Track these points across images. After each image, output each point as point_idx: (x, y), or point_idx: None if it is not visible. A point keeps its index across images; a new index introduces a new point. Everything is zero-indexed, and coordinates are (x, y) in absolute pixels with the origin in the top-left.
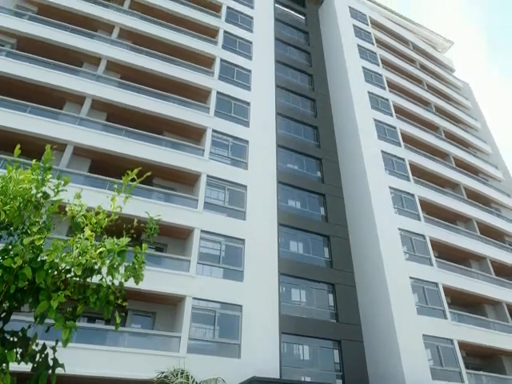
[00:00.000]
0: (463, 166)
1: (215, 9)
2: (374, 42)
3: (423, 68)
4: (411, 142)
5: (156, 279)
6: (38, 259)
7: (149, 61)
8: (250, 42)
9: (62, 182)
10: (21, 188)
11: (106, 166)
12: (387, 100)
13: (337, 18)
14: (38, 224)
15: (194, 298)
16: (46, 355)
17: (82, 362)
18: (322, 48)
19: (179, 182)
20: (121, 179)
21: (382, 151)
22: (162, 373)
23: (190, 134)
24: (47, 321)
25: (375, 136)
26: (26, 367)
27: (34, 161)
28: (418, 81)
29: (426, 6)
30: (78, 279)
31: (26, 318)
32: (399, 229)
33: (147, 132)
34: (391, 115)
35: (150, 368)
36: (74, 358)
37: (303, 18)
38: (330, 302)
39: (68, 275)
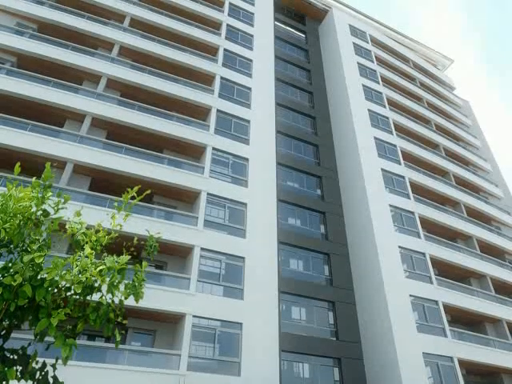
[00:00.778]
0: (463, 184)
1: (215, 27)
2: (374, 59)
3: (423, 86)
4: (411, 160)
5: (156, 297)
6: (38, 277)
7: (149, 79)
8: (250, 60)
9: (62, 200)
10: (21, 206)
11: (106, 184)
12: (387, 118)
13: (337, 36)
14: (38, 242)
15: (194, 316)
16: (46, 373)
17: (82, 379)
18: (322, 66)
19: (179, 199)
20: (121, 197)
21: (382, 169)
22: None
23: (190, 152)
24: (47, 339)
25: (375, 154)
26: None
27: (34, 178)
28: (418, 99)
29: (426, 24)
30: (78, 297)
31: (26, 335)
32: (399, 247)
33: (147, 150)
34: (391, 133)
35: None
36: (74, 375)
37: (303, 35)
38: (330, 320)
39: (68, 293)
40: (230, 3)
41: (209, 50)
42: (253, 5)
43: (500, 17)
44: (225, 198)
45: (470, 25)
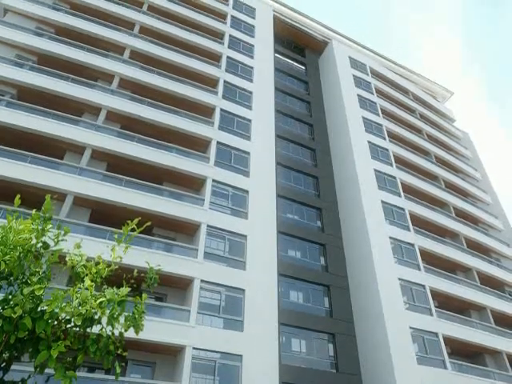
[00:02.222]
0: (463, 216)
1: (215, 58)
2: (374, 91)
3: (423, 118)
4: (411, 192)
5: (156, 329)
6: (38, 309)
7: (149, 111)
8: (250, 92)
9: (62, 232)
10: (21, 238)
11: (106, 216)
12: (387, 150)
13: (337, 68)
14: (38, 274)
15: (194, 348)
16: None
17: None
18: (322, 98)
19: (179, 231)
20: (121, 229)
21: (382, 201)
22: None
23: (190, 184)
24: (47, 371)
25: (375, 186)
26: None
27: (34, 211)
28: (417, 131)
29: (426, 55)
30: (78, 329)
31: (26, 367)
32: (399, 279)
33: (147, 182)
34: (391, 165)
35: None
36: None
37: (303, 67)
38: (330, 352)
39: (68, 325)
40: (230, 35)
41: (209, 82)
42: (253, 37)
43: (500, 48)
44: (225, 230)
45: (469, 56)
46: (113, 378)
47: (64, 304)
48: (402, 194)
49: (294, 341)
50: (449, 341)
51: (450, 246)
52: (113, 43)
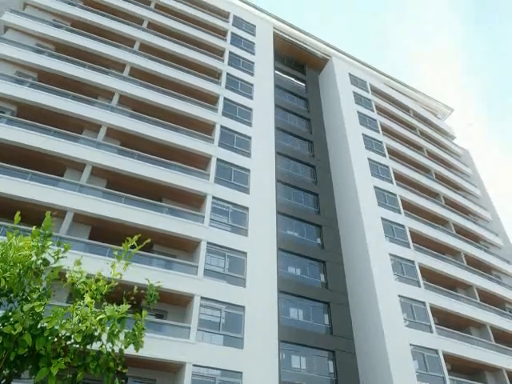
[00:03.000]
0: (463, 233)
1: (215, 75)
2: (374, 108)
3: (423, 135)
4: (411, 209)
5: (156, 346)
6: (38, 326)
7: (149, 127)
8: (250, 109)
9: (62, 249)
10: (21, 255)
11: (106, 233)
12: (387, 167)
13: (337, 85)
14: (38, 291)
15: (195, 365)
16: None
17: None
18: (322, 114)
19: (179, 248)
20: (121, 246)
21: (382, 218)
22: None
23: (190, 201)
24: None
25: (375, 203)
26: None
27: (34, 227)
28: (418, 148)
29: (426, 71)
30: (78, 346)
31: None
32: (399, 295)
33: (147, 198)
34: (391, 182)
35: None
36: None
37: (303, 84)
38: (330, 369)
39: (68, 342)
40: (231, 52)
41: (209, 99)
42: (253, 54)
43: (500, 64)
44: (225, 247)
45: (470, 72)
46: None
47: (64, 321)
48: (402, 210)
49: (294, 358)
50: (449, 358)
51: (450, 263)
52: (113, 60)
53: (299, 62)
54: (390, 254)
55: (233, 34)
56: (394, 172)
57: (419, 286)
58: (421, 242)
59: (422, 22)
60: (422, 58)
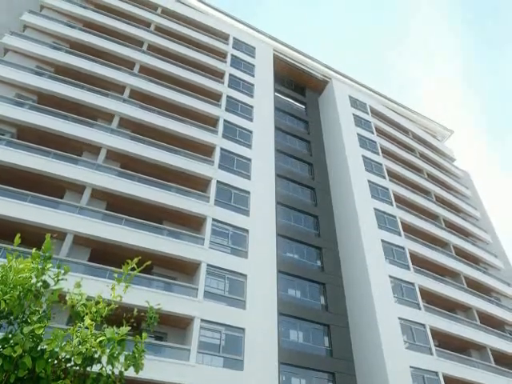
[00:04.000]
0: (463, 255)
1: (215, 98)
2: (374, 130)
3: (423, 157)
4: (411, 231)
5: (156, 368)
6: (38, 348)
7: (149, 150)
8: (250, 131)
9: (62, 271)
10: (21, 277)
11: (106, 255)
12: (387, 189)
13: (337, 107)
14: (38, 313)
15: None
16: None
17: None
18: (322, 137)
19: (179, 270)
20: (121, 268)
21: (382, 240)
22: None
23: (189, 223)
24: None
25: (375, 225)
26: None
27: (34, 250)
28: (418, 170)
29: (426, 95)
30: (78, 368)
31: None
32: (399, 318)
33: (147, 221)
34: (391, 204)
35: None
36: None
37: (303, 106)
38: None
39: (68, 364)
40: (230, 74)
41: (209, 121)
42: (253, 76)
43: (499, 86)
44: (225, 270)
45: (469, 93)
46: None
47: (64, 343)
48: (402, 233)
49: (294, 380)
50: (449, 380)
51: (450, 285)
52: (113, 82)
53: (299, 84)
54: (390, 276)
55: (233, 56)
56: (393, 194)
57: (419, 309)
58: (421, 264)
59: (423, 45)
60: (421, 81)
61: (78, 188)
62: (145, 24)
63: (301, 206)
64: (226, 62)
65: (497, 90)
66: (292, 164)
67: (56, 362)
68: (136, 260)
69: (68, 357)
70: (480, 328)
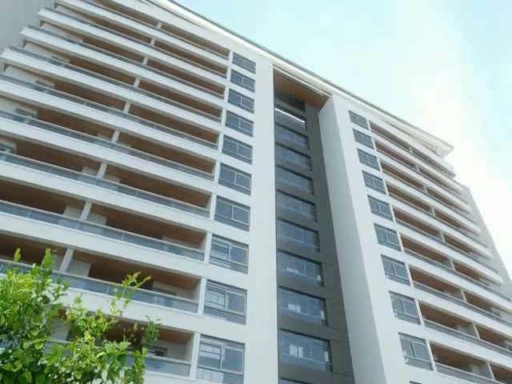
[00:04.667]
0: (463, 270)
1: (215, 113)
2: (374, 146)
3: (423, 172)
4: (411, 246)
5: (156, 383)
6: (38, 363)
7: (149, 165)
8: (250, 147)
9: (62, 286)
10: (21, 292)
11: (105, 270)
12: (387, 204)
13: (337, 122)
14: (38, 328)
15: None
16: None
17: None
18: (322, 152)
19: (179, 285)
20: (121, 283)
21: (382, 255)
22: None
23: (189, 238)
24: None
25: (375, 240)
26: None
27: (34, 265)
28: (418, 185)
29: (426, 110)
30: (78, 383)
31: None
32: (399, 333)
33: (147, 236)
34: (391, 219)
35: None
36: None
37: (303, 122)
38: None
39: (68, 379)
40: (230, 89)
41: (209, 136)
42: (253, 91)
43: (499, 100)
44: (225, 285)
45: (469, 109)
46: None
47: (64, 358)
48: (402, 248)
49: None
50: None
51: (450, 300)
52: (113, 97)
53: (299, 99)
54: (390, 292)
55: (233, 71)
56: (393, 209)
57: (419, 324)
58: (421, 279)
59: (423, 59)
60: (421, 94)
61: (78, 203)
62: (145, 39)
63: (301, 221)
64: (226, 77)
65: (497, 102)
66: (292, 179)
67: (56, 377)
68: (136, 275)
69: (68, 372)
70: (480, 343)
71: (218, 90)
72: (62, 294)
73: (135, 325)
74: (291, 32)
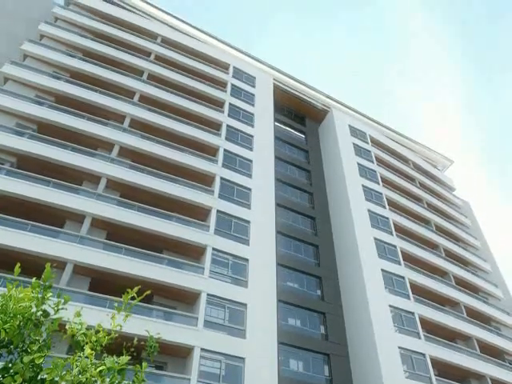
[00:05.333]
0: (463, 285)
1: (215, 127)
2: (374, 160)
3: (423, 186)
4: (411, 261)
5: None
6: (38, 377)
7: (149, 179)
8: (250, 161)
9: (62, 301)
10: (21, 306)
11: (106, 284)
12: (387, 218)
13: (337, 137)
14: (38, 342)
15: None
16: None
17: None
18: (322, 166)
19: (179, 299)
20: (121, 297)
21: (382, 269)
22: None
23: (190, 252)
24: None
25: (375, 254)
26: None
27: (34, 279)
28: (418, 199)
29: (426, 124)
30: None
31: None
32: (399, 347)
33: (147, 250)
34: (391, 233)
35: None
36: None
37: (303, 136)
38: None
39: None
40: (231, 103)
41: (209, 151)
42: (253, 105)
43: (500, 115)
44: (225, 299)
45: (469, 123)
46: None
47: (64, 372)
48: (402, 262)
49: None
50: None
51: (450, 314)
52: (113, 112)
53: (299, 114)
54: (390, 306)
55: (233, 85)
56: (393, 223)
57: (419, 338)
58: (421, 293)
59: (423, 73)
60: (422, 110)
61: (78, 217)
62: (145, 53)
63: (301, 236)
64: (226, 91)
65: (497, 117)
66: (292, 193)
67: None
68: (136, 289)
69: None
70: (480, 357)
71: (218, 104)
72: (62, 308)
73: (135, 339)
74: (291, 45)
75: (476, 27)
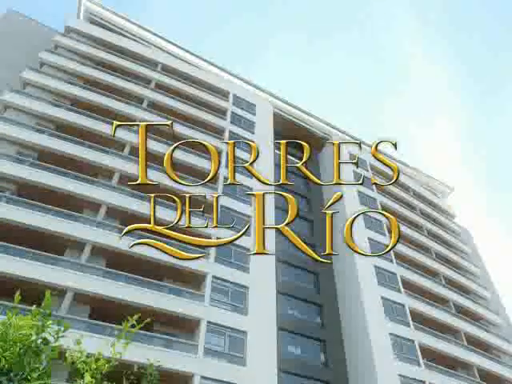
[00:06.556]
0: (463, 312)
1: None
2: (375, 188)
3: (423, 214)
4: (411, 288)
5: None
6: None
7: (146, 206)
8: (250, 188)
9: (62, 328)
10: (21, 334)
11: (106, 312)
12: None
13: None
14: (38, 370)
15: None
16: None
17: None
18: (321, 193)
19: (179, 327)
20: (121, 324)
21: (383, 297)
22: None
23: (190, 280)
24: None
25: (375, 282)
26: None
27: (35, 307)
28: (418, 227)
29: (425, 152)
30: None
31: None
32: (399, 375)
33: (147, 278)
34: (391, 261)
35: None
36: None
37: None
38: None
39: None
40: (230, 131)
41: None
42: (253, 133)
43: (500, 142)
44: (225, 327)
45: (469, 146)
46: None
47: None
48: (403, 290)
49: None
50: None
51: (450, 342)
52: (113, 139)
53: (299, 142)
54: (390, 334)
55: (233, 113)
56: (393, 251)
57: (419, 366)
58: (421, 321)
59: (422, 100)
60: (421, 137)
61: (78, 245)
62: (145, 81)
63: (300, 263)
64: (225, 118)
65: (497, 144)
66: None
67: None
68: (136, 317)
69: None
70: None
71: (217, 132)
72: (62, 336)
73: (135, 366)
74: (290, 70)
75: (477, 55)
